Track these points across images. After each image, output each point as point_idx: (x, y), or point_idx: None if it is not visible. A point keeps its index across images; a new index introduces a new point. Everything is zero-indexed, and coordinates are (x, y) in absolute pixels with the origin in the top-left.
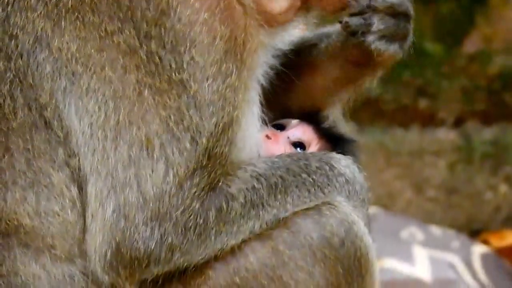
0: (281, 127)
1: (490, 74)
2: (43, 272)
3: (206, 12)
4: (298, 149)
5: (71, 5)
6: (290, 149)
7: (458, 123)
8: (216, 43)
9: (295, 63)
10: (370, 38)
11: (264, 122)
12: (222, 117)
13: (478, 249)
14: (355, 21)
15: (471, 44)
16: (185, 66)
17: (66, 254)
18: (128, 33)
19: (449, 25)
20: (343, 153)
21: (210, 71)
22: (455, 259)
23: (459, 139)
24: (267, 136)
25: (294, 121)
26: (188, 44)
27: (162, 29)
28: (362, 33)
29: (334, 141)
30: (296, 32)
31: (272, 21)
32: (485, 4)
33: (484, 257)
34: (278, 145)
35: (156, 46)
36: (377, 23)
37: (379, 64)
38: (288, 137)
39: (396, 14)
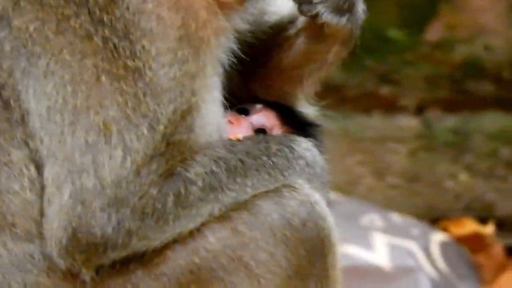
0: (245, 112)
1: (453, 62)
2: (4, 250)
3: (153, 1)
4: (260, 134)
5: None
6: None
7: (420, 110)
8: (167, 31)
9: (260, 43)
10: (318, 9)
11: (227, 107)
12: (181, 104)
13: (438, 237)
14: None
15: (435, 32)
16: (138, 54)
17: (26, 233)
18: (83, 18)
19: (413, 12)
20: (307, 137)
21: (165, 59)
22: (415, 247)
23: (421, 126)
24: (230, 122)
25: (258, 106)
26: (138, 34)
27: (113, 16)
28: (308, 6)
29: (298, 127)
30: (257, 10)
31: (228, 3)
32: None
33: (443, 245)
34: (240, 130)
35: (110, 33)
36: None
37: (332, 37)
38: (252, 123)
39: None
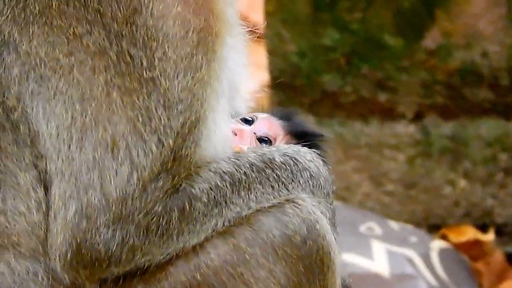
0: (249, 122)
1: (450, 69)
2: (7, 268)
3: (179, 4)
4: (264, 144)
5: (38, 11)
6: (256, 145)
7: (417, 117)
8: (188, 35)
9: None
10: None
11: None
12: (190, 115)
13: (437, 244)
14: None
15: (431, 39)
16: (156, 62)
17: (31, 252)
18: (97, 34)
19: (410, 19)
20: (310, 147)
21: (181, 66)
22: (413, 254)
23: (418, 133)
24: (233, 133)
25: (261, 116)
26: (160, 39)
27: (134, 27)
28: None
29: (301, 136)
30: None
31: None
32: None
33: (443, 252)
34: (244, 141)
35: (127, 45)
36: None
37: None
38: (255, 133)
39: None
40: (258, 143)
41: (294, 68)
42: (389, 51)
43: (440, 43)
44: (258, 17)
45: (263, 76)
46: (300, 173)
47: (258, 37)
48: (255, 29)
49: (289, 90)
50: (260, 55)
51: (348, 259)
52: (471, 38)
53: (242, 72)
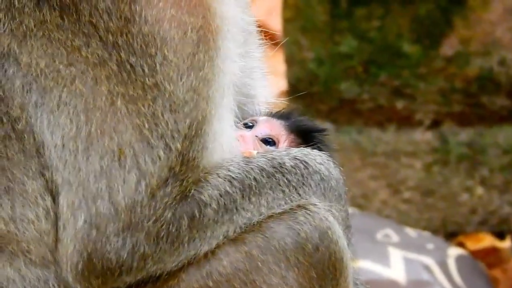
0: (250, 127)
1: (467, 76)
2: (18, 275)
3: (172, 7)
4: (269, 146)
5: (34, 25)
6: (260, 147)
7: (434, 124)
8: (187, 36)
9: None
10: None
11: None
12: (196, 116)
13: (454, 252)
14: None
15: (449, 46)
16: (158, 68)
17: (41, 259)
18: (95, 46)
19: (427, 27)
20: (316, 144)
21: (184, 67)
22: (430, 262)
23: (436, 140)
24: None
25: (262, 118)
26: (158, 44)
27: (130, 36)
28: None
29: (304, 133)
30: None
31: None
32: (463, 6)
33: (460, 260)
34: (247, 145)
35: (126, 55)
36: None
37: None
38: (257, 136)
39: None
40: (263, 145)
41: (312, 76)
42: (406, 58)
43: (458, 50)
44: (276, 24)
45: (281, 84)
46: (311, 176)
47: (275, 44)
48: (272, 36)
49: (307, 97)
50: (278, 62)
51: (365, 266)
52: (488, 46)
53: (259, 79)
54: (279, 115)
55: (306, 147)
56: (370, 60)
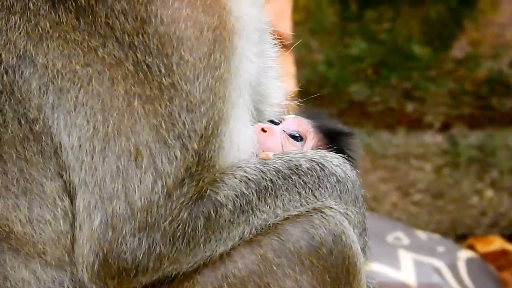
0: (277, 124)
1: (477, 79)
2: (33, 277)
3: (187, 7)
4: (296, 141)
5: (50, 27)
6: (288, 141)
7: (444, 127)
8: (203, 35)
9: None
10: None
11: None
12: (212, 115)
13: (464, 254)
14: None
15: (459, 48)
16: (174, 68)
17: (57, 261)
18: (111, 47)
19: (437, 29)
20: (341, 147)
21: (200, 66)
22: (441, 264)
23: (446, 143)
24: (263, 130)
25: (289, 115)
26: (175, 44)
27: (146, 36)
28: None
29: (332, 135)
30: None
31: None
32: (473, 8)
33: (470, 262)
34: (274, 137)
35: (142, 55)
36: None
37: None
38: (284, 130)
39: None
40: (291, 139)
41: (322, 78)
42: (416, 61)
43: (468, 53)
44: (286, 26)
45: (291, 86)
46: (327, 178)
47: (285, 47)
48: (283, 38)
49: (317, 100)
50: (288, 64)
51: (375, 269)
52: (498, 48)
53: (274, 79)
54: (307, 115)
55: (332, 149)
56: (380, 62)
